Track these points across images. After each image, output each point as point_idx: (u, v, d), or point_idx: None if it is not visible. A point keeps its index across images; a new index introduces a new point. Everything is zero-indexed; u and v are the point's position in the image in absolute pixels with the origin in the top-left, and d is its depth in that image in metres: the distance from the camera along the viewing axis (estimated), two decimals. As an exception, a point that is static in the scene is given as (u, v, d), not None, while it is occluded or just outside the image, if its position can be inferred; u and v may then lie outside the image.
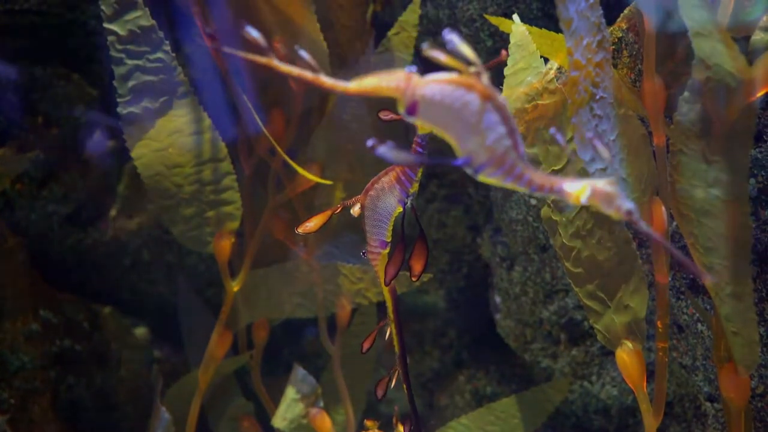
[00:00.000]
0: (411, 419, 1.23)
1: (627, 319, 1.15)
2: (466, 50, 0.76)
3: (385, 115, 1.07)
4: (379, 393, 1.19)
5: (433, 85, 0.78)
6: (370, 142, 0.75)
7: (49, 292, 1.66)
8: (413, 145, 1.07)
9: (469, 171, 0.80)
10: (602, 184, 0.77)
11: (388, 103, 1.55)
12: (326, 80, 0.79)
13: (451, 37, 0.76)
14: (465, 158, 0.79)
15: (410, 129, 1.09)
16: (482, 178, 0.80)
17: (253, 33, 0.81)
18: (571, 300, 1.53)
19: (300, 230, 1.11)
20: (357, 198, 1.10)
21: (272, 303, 1.57)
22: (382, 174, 1.09)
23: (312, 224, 1.11)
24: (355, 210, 1.10)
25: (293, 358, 1.70)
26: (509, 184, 0.80)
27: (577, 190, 0.78)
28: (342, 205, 1.11)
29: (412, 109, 0.78)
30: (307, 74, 0.79)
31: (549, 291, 1.54)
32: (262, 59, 0.81)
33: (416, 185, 1.08)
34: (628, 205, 0.77)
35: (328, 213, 1.11)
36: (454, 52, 0.75)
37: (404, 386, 1.21)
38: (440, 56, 0.75)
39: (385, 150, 0.75)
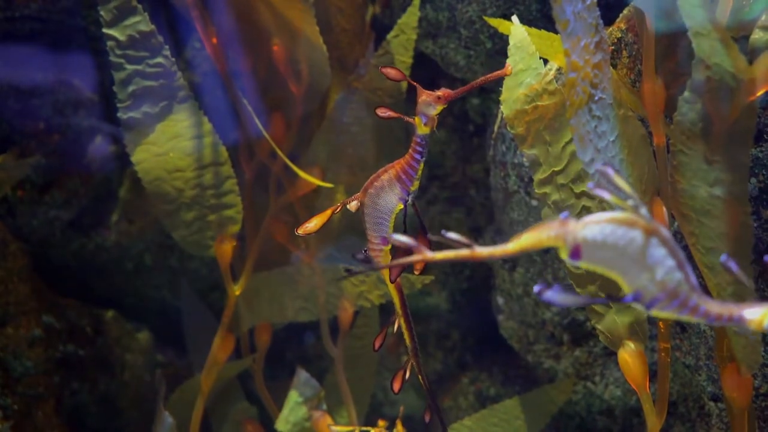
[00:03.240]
0: (430, 407, 1.23)
1: (629, 319, 1.15)
2: (621, 183, 0.76)
3: (382, 113, 1.07)
4: (396, 387, 1.19)
5: (592, 226, 0.77)
6: (537, 288, 0.76)
7: (52, 298, 1.66)
8: (412, 145, 1.07)
9: (640, 307, 0.79)
10: None
11: (387, 102, 1.55)
12: (483, 251, 0.79)
13: (604, 170, 0.77)
14: (635, 294, 0.79)
15: (410, 129, 1.09)
16: (656, 312, 0.80)
17: (402, 239, 0.81)
18: (574, 301, 1.52)
19: (300, 231, 1.11)
20: (356, 195, 1.10)
21: (274, 306, 1.57)
22: (381, 172, 1.10)
23: (312, 224, 1.11)
24: (352, 205, 1.10)
25: (296, 361, 1.70)
26: (685, 317, 0.80)
27: (759, 317, 0.78)
28: (342, 204, 1.11)
29: (575, 254, 0.78)
30: (463, 252, 0.79)
31: (551, 292, 1.54)
32: (416, 258, 0.80)
33: (417, 183, 1.09)
34: None
35: (328, 213, 1.11)
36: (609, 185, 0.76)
37: (420, 377, 1.21)
38: (605, 195, 0.76)
39: (553, 295, 0.76)
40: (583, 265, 0.79)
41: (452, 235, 0.79)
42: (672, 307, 0.79)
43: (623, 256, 0.77)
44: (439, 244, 0.79)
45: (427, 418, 1.23)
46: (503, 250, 0.79)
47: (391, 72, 1.06)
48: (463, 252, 0.79)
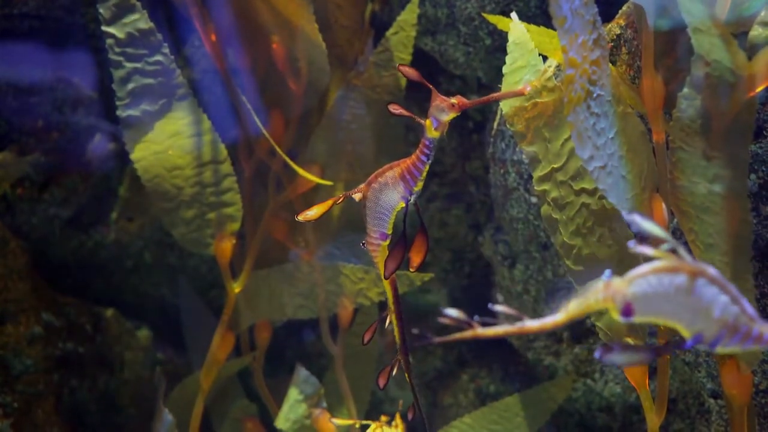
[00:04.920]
0: (414, 406, 1.23)
1: (628, 316, 1.15)
2: (653, 228, 0.76)
3: (395, 109, 1.07)
4: (381, 383, 1.19)
5: (638, 281, 0.77)
6: (597, 353, 0.76)
7: (51, 295, 1.66)
8: (420, 147, 1.07)
9: (704, 347, 0.79)
10: None
11: (387, 99, 1.54)
12: (532, 324, 0.78)
13: (633, 218, 0.76)
14: (696, 337, 0.78)
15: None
16: (721, 350, 0.79)
17: (452, 314, 0.80)
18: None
19: (300, 218, 1.11)
20: (360, 187, 1.11)
21: (274, 304, 1.57)
22: (387, 168, 1.10)
23: (313, 212, 1.11)
24: (357, 195, 1.10)
25: (296, 358, 1.70)
26: (750, 347, 0.79)
27: None
28: (344, 195, 1.12)
29: (627, 312, 0.77)
30: (512, 328, 0.78)
31: (551, 289, 1.54)
32: (467, 334, 0.80)
33: (421, 184, 1.09)
34: None
35: (329, 202, 1.11)
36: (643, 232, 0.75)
37: (406, 375, 1.22)
38: (648, 251, 0.75)
39: (615, 356, 0.76)
40: (638, 319, 0.78)
41: (499, 308, 0.78)
42: (735, 341, 0.78)
43: (675, 303, 0.77)
44: (485, 323, 0.79)
45: (410, 416, 1.23)
46: (553, 322, 0.78)
47: (407, 71, 1.06)
48: (512, 327, 0.78)
